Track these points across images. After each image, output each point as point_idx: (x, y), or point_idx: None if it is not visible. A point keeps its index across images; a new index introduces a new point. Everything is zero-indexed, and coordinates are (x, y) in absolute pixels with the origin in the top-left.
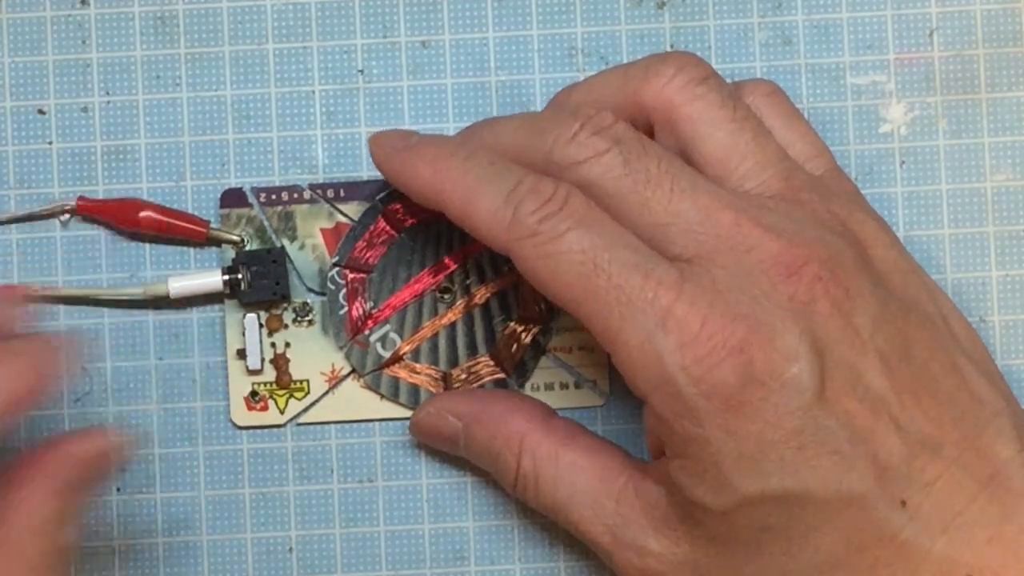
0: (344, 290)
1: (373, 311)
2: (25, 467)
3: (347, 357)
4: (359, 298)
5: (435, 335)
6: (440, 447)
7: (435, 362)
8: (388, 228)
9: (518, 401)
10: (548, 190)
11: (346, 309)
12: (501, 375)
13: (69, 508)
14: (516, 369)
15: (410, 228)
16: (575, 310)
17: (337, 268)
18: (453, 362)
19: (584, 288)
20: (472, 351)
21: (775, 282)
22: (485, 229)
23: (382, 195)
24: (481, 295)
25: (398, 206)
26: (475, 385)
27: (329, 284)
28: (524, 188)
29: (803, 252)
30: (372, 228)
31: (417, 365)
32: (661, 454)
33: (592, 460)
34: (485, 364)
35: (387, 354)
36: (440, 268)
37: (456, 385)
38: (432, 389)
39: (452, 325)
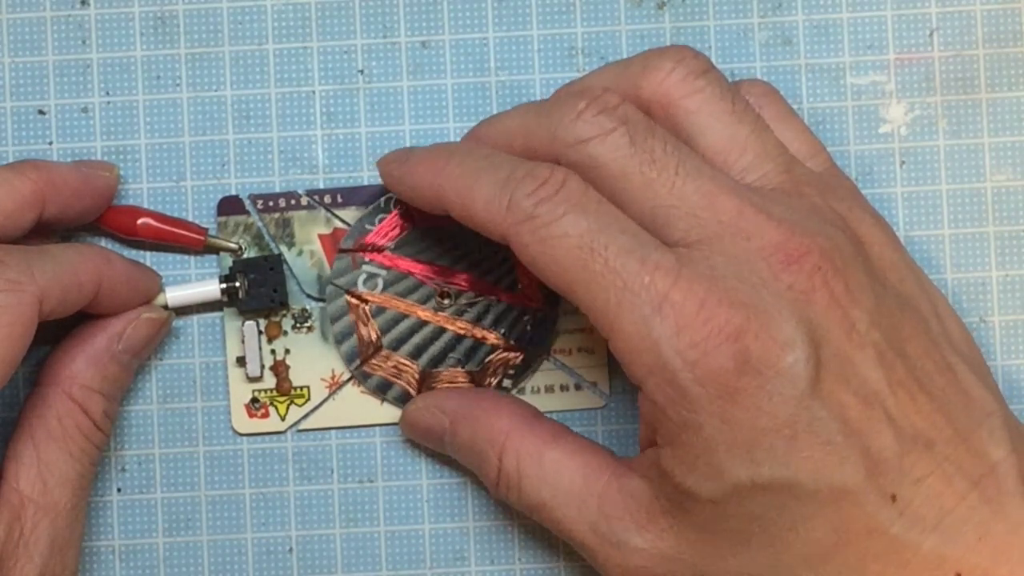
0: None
1: (383, 251)
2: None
3: (334, 261)
4: (374, 235)
5: (421, 329)
6: (428, 444)
7: (415, 356)
8: (404, 222)
9: (505, 401)
10: (544, 174)
11: (356, 238)
12: None
13: (107, 376)
14: None
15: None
16: (572, 295)
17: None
18: (434, 364)
19: (580, 272)
20: (456, 362)
21: (775, 270)
22: (484, 217)
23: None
24: (479, 332)
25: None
26: None
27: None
28: (520, 173)
29: (804, 242)
30: (386, 217)
31: (401, 360)
32: (650, 444)
33: (575, 459)
34: (461, 377)
35: (365, 289)
36: (453, 274)
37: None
38: (409, 388)
39: (441, 330)
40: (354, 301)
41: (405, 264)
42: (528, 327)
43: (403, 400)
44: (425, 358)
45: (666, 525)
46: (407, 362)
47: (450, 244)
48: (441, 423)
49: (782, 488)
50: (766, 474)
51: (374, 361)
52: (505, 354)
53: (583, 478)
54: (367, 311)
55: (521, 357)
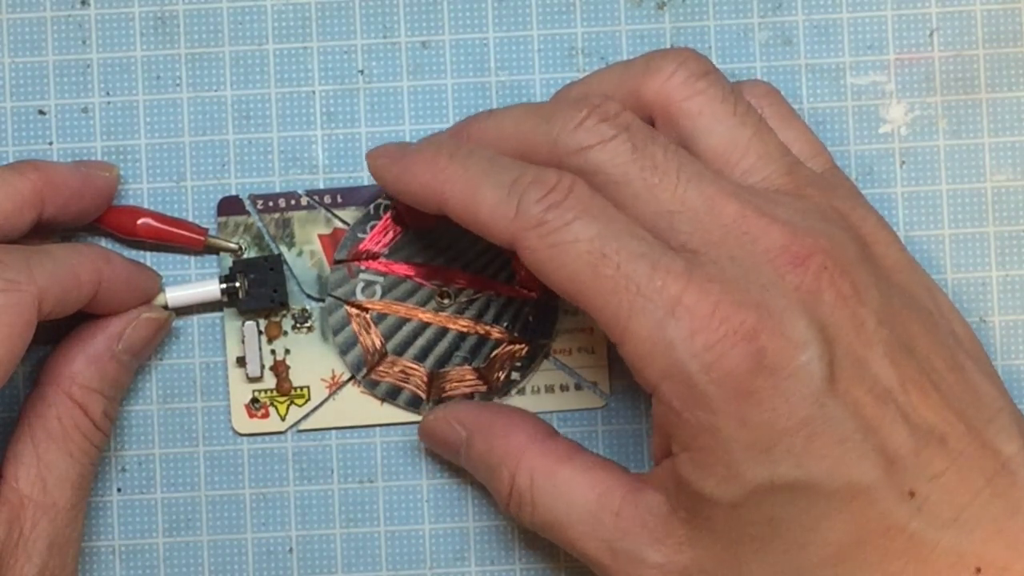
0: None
1: (378, 258)
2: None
3: (330, 273)
4: (368, 242)
5: (424, 331)
6: (444, 454)
7: (421, 359)
8: (396, 226)
9: (522, 417)
10: (552, 179)
11: (350, 248)
12: (483, 387)
13: (106, 376)
14: (501, 389)
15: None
16: (582, 301)
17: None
18: (440, 364)
19: (591, 278)
20: (462, 360)
21: (781, 272)
22: (490, 223)
23: (382, 202)
24: (482, 328)
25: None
26: (456, 394)
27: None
28: (527, 178)
29: (808, 243)
30: (377, 224)
31: (407, 364)
32: (665, 455)
33: (590, 476)
34: (469, 374)
35: (364, 298)
36: (450, 273)
37: (447, 389)
38: (418, 391)
39: (444, 330)
40: (354, 311)
41: (401, 268)
42: (530, 318)
43: (414, 404)
44: (431, 359)
45: (684, 537)
46: (414, 365)
47: (444, 244)
48: (458, 436)
49: (800, 488)
50: (784, 474)
51: (380, 368)
52: (510, 347)
53: (598, 495)
54: (368, 319)
55: (526, 349)
